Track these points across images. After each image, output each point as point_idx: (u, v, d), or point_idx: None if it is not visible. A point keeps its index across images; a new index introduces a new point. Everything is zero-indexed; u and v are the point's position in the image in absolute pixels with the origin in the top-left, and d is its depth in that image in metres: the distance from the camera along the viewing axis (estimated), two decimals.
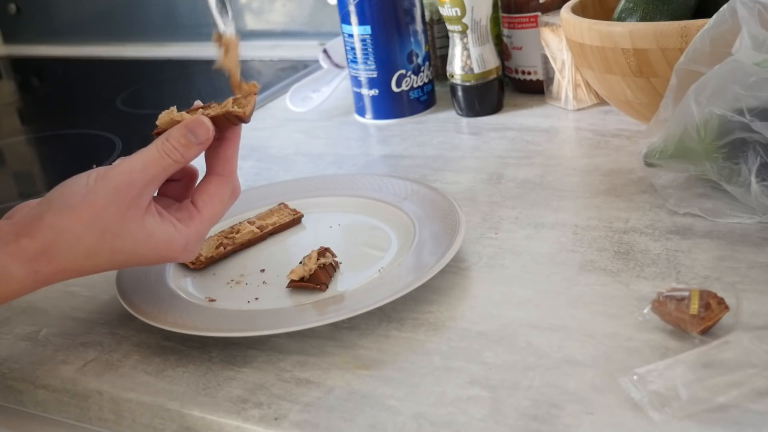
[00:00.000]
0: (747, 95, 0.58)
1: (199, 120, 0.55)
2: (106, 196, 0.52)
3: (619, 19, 0.78)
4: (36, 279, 0.52)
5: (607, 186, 0.72)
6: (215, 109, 0.57)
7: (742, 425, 0.43)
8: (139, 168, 0.53)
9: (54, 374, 0.57)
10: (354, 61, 0.96)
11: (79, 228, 0.52)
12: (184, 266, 0.67)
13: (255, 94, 0.58)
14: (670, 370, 0.46)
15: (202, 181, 0.58)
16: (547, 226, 0.67)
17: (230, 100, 0.58)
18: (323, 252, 0.63)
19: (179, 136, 0.54)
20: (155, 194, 0.58)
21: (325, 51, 1.09)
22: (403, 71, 0.94)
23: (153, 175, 0.53)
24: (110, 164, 0.54)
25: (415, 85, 0.95)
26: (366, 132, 0.96)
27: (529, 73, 0.96)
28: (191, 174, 0.61)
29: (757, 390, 0.45)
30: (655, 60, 0.71)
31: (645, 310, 0.52)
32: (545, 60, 0.92)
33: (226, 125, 0.58)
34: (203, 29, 1.48)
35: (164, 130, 0.56)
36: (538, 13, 0.92)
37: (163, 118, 0.57)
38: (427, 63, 0.96)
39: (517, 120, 0.91)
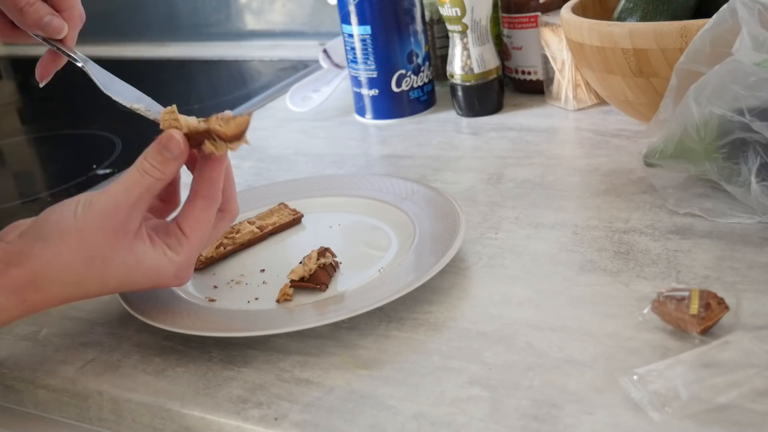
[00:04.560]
0: (747, 95, 0.58)
1: (168, 134, 0.54)
2: (93, 223, 0.51)
3: (619, 19, 0.78)
4: (24, 308, 0.52)
5: (607, 186, 0.72)
6: (201, 125, 0.55)
7: (742, 425, 0.43)
8: (123, 191, 0.52)
9: (54, 374, 0.57)
10: (354, 61, 0.96)
11: (68, 256, 0.51)
12: None
13: (246, 120, 0.55)
14: (670, 370, 0.46)
15: (187, 203, 0.56)
16: (547, 226, 0.67)
17: (214, 117, 0.55)
18: (323, 252, 0.63)
19: (155, 153, 0.53)
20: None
21: (325, 51, 1.09)
22: (403, 71, 0.94)
23: (137, 197, 0.52)
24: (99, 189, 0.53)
25: (415, 85, 0.95)
26: (366, 132, 0.96)
27: (529, 73, 0.96)
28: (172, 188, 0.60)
29: (757, 390, 0.45)
30: (655, 60, 0.71)
31: (645, 310, 0.52)
32: (545, 60, 0.92)
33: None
34: (203, 29, 1.48)
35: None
36: (538, 13, 0.92)
37: (164, 117, 0.55)
38: (427, 63, 0.96)
39: (517, 120, 0.91)
